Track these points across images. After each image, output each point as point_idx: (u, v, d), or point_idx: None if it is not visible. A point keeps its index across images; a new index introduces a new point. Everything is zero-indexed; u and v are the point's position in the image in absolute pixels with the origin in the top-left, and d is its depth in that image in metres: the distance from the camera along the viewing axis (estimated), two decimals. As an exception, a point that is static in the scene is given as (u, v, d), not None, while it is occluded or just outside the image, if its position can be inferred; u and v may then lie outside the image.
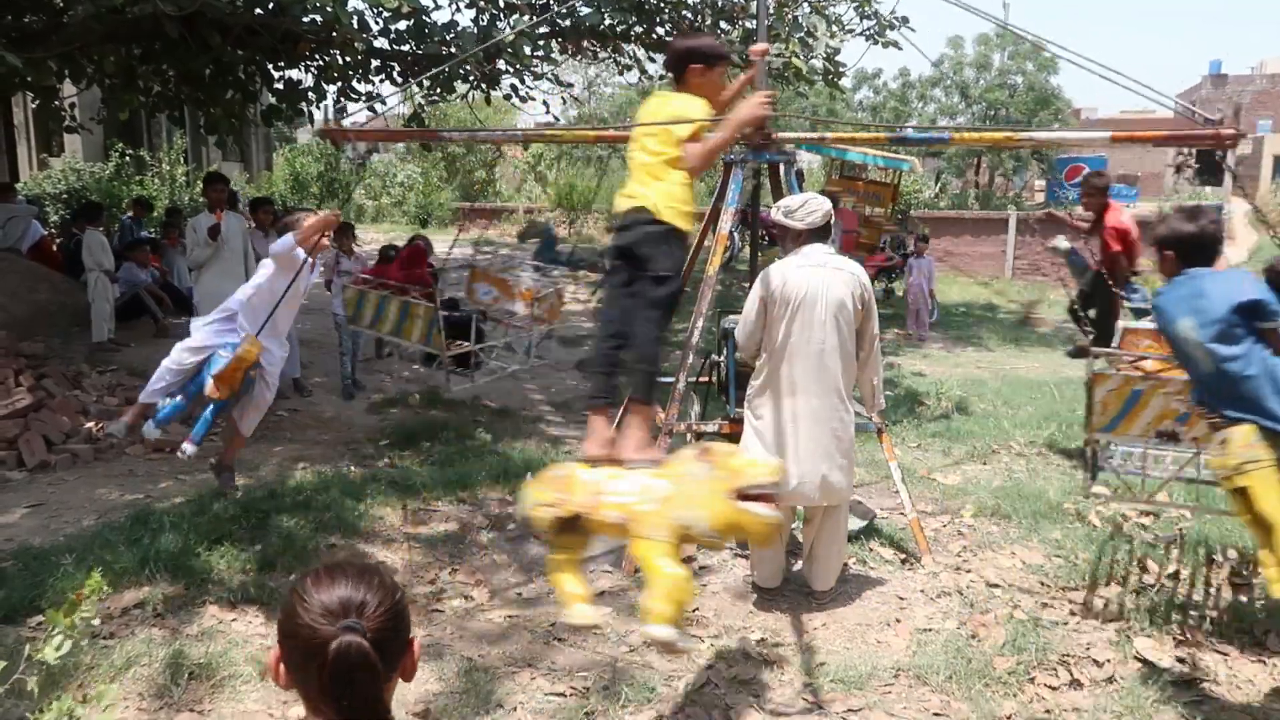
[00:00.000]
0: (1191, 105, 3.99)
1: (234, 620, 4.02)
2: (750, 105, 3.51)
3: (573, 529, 2.93)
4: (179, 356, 4.91)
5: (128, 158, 17.88)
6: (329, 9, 6.52)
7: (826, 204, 4.29)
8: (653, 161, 3.35)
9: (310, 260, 5.09)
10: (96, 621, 2.25)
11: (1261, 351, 3.30)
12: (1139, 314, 6.82)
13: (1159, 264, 3.65)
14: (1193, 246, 3.51)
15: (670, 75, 3.64)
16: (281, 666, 1.46)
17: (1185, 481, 4.53)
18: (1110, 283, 6.24)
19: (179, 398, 4.91)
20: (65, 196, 15.39)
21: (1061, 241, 7.24)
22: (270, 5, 7.55)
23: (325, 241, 5.79)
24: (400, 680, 1.50)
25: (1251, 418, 3.27)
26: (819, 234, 4.25)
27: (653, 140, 3.37)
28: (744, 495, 2.67)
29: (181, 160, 19.78)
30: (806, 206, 4.24)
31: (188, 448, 4.87)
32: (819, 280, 4.12)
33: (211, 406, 4.90)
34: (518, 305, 8.15)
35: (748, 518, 2.68)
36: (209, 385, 4.73)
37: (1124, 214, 6.86)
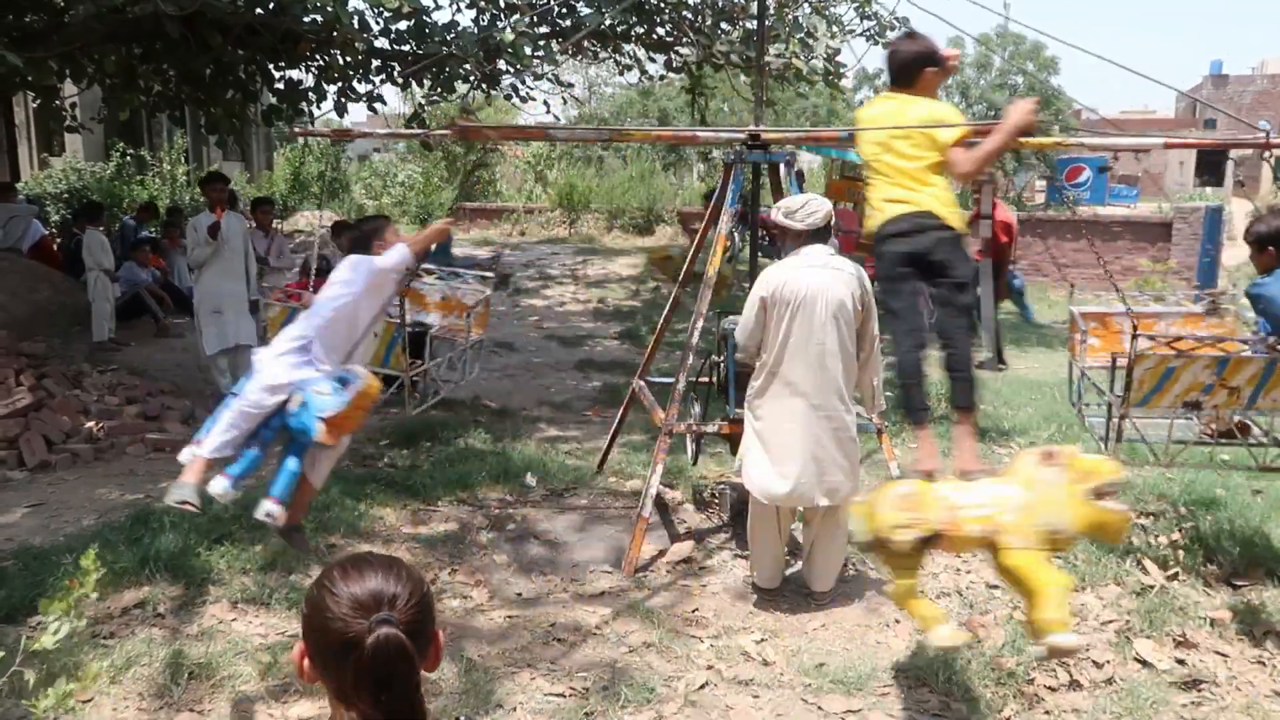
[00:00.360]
0: (1233, 113, 4.17)
1: (234, 620, 4.02)
2: (1022, 111, 3.31)
3: (907, 550, 2.88)
4: (258, 397, 3.89)
5: (128, 157, 17.89)
6: (329, 9, 6.52)
7: (827, 205, 4.30)
8: (915, 166, 3.29)
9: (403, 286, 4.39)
10: (94, 595, 2.24)
11: None
12: (1019, 294, 9.07)
13: (1256, 258, 4.18)
14: None
15: (896, 78, 3.52)
16: (307, 662, 1.45)
17: (1198, 444, 4.77)
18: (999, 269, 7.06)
19: (255, 449, 3.93)
20: (66, 196, 15.39)
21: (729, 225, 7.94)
22: (271, 5, 7.56)
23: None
24: (426, 672, 1.48)
25: None
26: (820, 235, 4.26)
27: (906, 144, 3.31)
28: (1100, 493, 2.74)
29: (182, 160, 19.79)
30: (807, 207, 4.24)
31: (274, 509, 3.90)
32: (819, 281, 4.13)
33: (294, 456, 3.96)
34: (430, 317, 7.22)
35: (1108, 515, 2.74)
36: (319, 430, 3.75)
37: (1008, 210, 7.49)
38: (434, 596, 1.52)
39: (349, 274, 4.11)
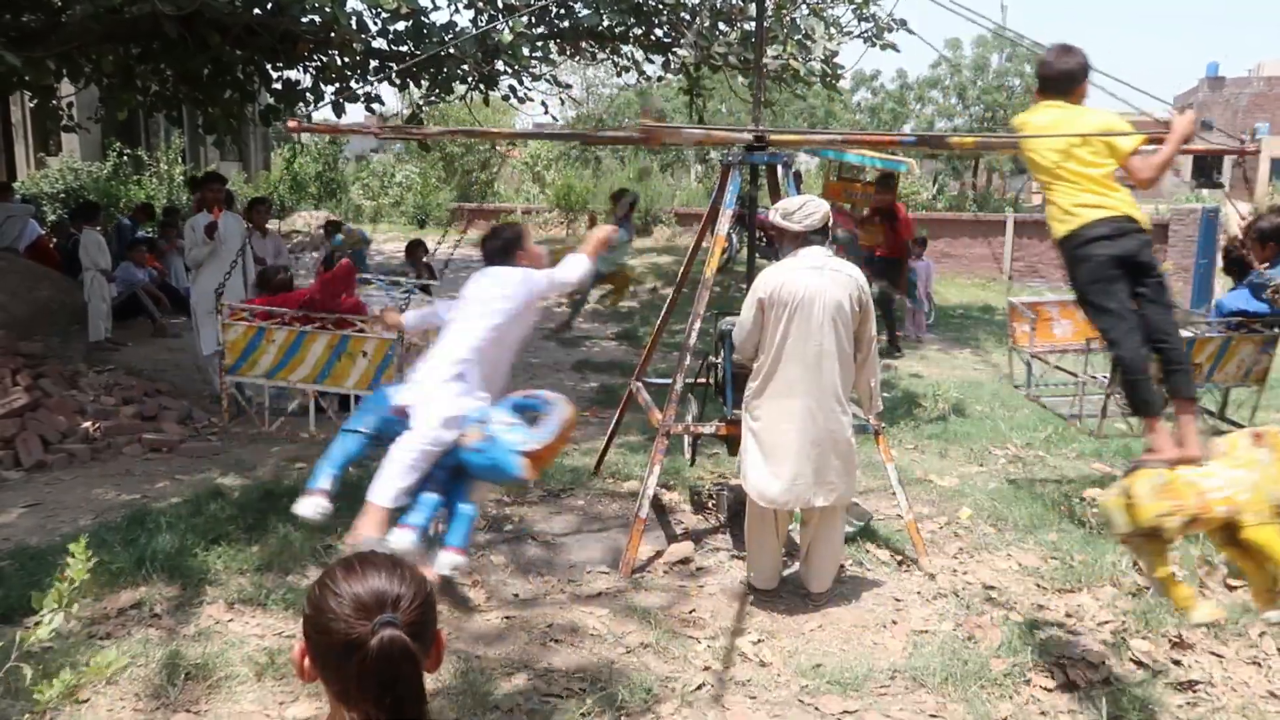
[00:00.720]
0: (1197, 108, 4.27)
1: (231, 621, 4.02)
2: (1186, 122, 3.50)
3: (1155, 537, 3.06)
4: (436, 434, 3.46)
5: (125, 157, 17.88)
6: (327, 9, 6.52)
7: (825, 206, 4.30)
8: (1100, 173, 3.46)
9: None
10: (87, 575, 2.23)
11: None
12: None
13: (1259, 252, 4.69)
14: None
15: (1054, 88, 3.68)
16: (307, 661, 1.44)
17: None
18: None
19: (432, 492, 3.56)
20: (63, 196, 15.40)
21: (841, 232, 8.69)
22: (269, 5, 7.55)
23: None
24: (426, 672, 1.47)
25: None
26: (817, 236, 4.26)
27: (1087, 150, 3.46)
28: None
29: (179, 160, 19.78)
30: (805, 209, 4.25)
31: (460, 560, 3.55)
32: (817, 282, 4.13)
33: (465, 499, 3.61)
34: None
35: None
36: (522, 465, 3.37)
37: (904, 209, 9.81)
38: (434, 597, 1.51)
39: (510, 288, 3.67)
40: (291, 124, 4.83)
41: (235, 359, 5.50)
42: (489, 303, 3.67)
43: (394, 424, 3.59)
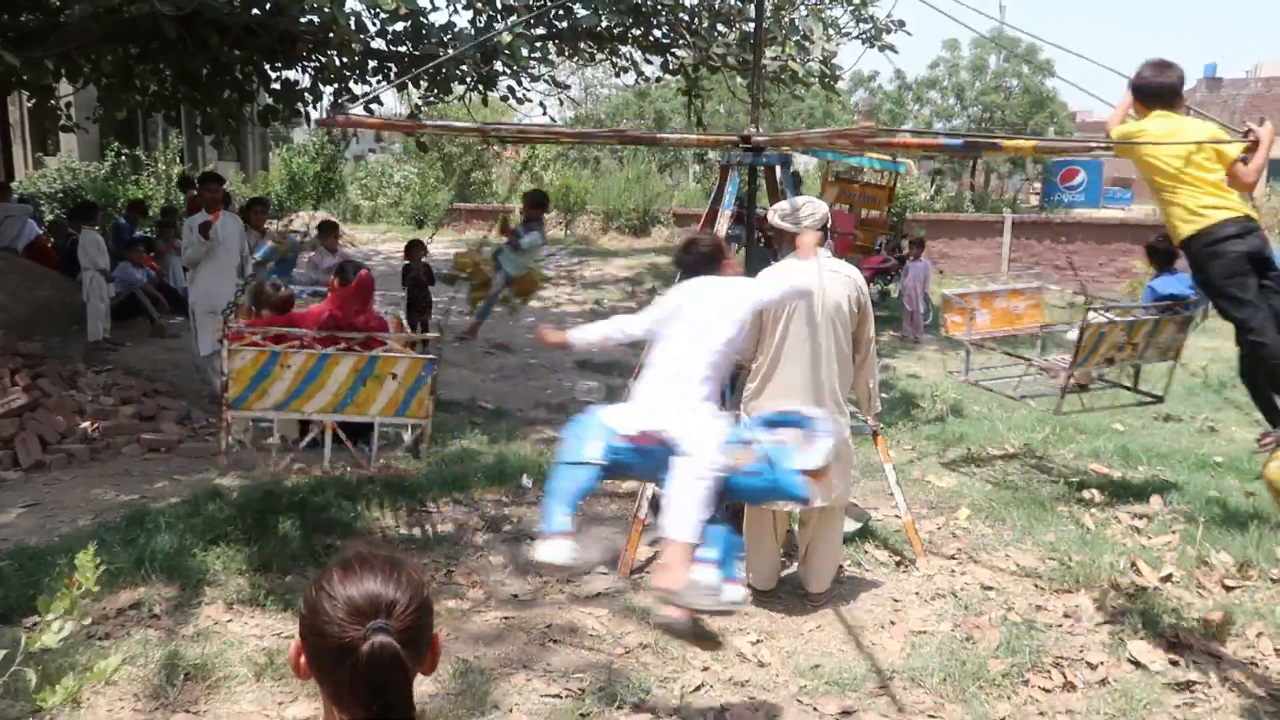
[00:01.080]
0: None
1: (230, 621, 4.02)
2: (1270, 131, 3.79)
3: None
4: (721, 460, 3.19)
5: (124, 157, 17.86)
6: (326, 9, 6.52)
7: (824, 207, 4.31)
8: (1216, 177, 3.79)
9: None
10: (96, 588, 2.23)
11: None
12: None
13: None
14: None
15: (1160, 99, 3.99)
16: (303, 660, 1.44)
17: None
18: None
19: (721, 527, 3.30)
20: (60, 196, 15.37)
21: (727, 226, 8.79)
22: (268, 5, 7.55)
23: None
24: (423, 675, 1.46)
25: None
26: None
27: (1201, 156, 3.79)
28: None
29: (177, 160, 19.75)
30: (804, 209, 4.25)
31: (743, 591, 3.35)
32: (815, 283, 4.13)
33: (727, 524, 3.36)
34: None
35: None
36: (807, 486, 3.20)
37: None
38: (432, 598, 1.50)
39: (738, 300, 3.51)
40: (340, 119, 4.64)
41: (241, 390, 4.49)
42: (720, 316, 3.46)
43: (630, 452, 3.27)
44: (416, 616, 1.41)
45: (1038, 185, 27.36)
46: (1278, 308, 3.77)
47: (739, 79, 9.89)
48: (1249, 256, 3.75)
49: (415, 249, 8.88)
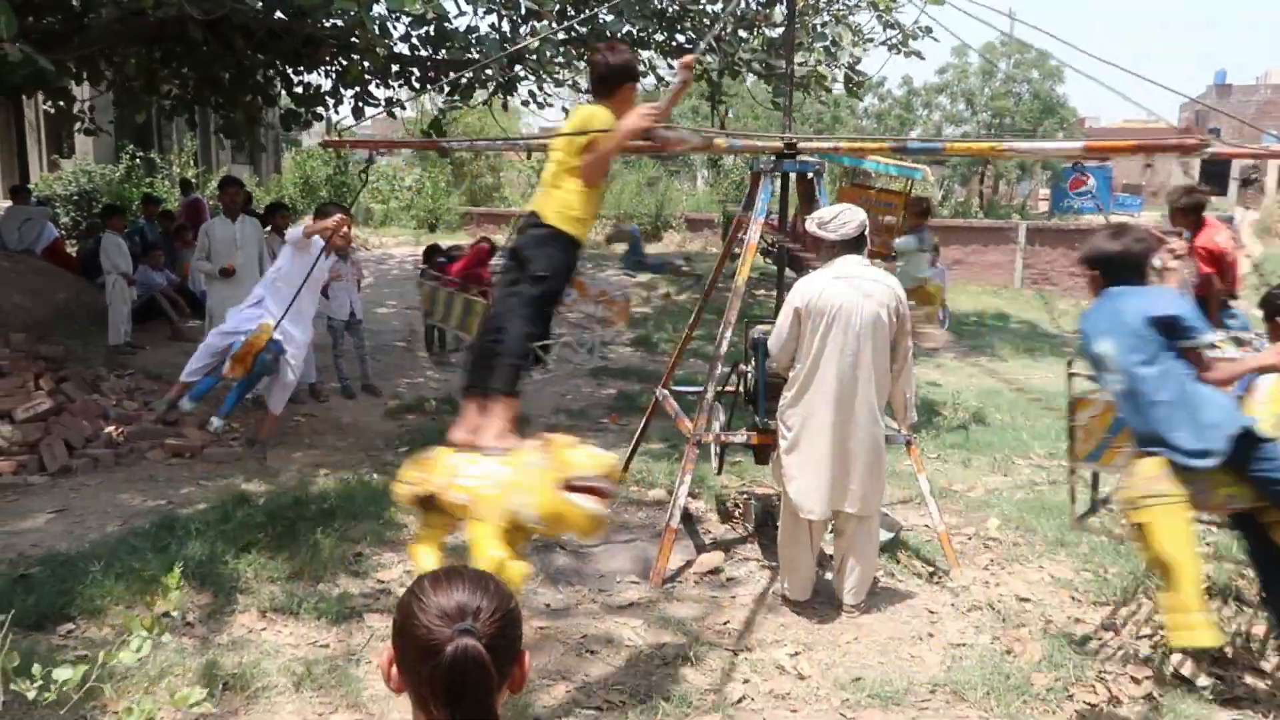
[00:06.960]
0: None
1: (264, 630, 4.00)
2: (635, 116, 3.56)
3: (433, 508, 3.08)
4: (213, 341, 5.85)
5: (138, 160, 17.88)
6: (353, 13, 6.50)
7: (860, 215, 4.27)
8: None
9: (326, 250, 5.87)
10: (175, 614, 2.22)
11: (1180, 375, 3.18)
12: None
13: (1088, 284, 3.53)
14: (1118, 264, 3.40)
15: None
16: (394, 668, 1.48)
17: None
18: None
19: (211, 376, 5.83)
20: (76, 198, 15.38)
21: (631, 227, 8.65)
22: (293, 9, 7.55)
23: (339, 240, 6.12)
24: (509, 692, 1.50)
25: (1160, 450, 3.18)
26: (853, 246, 4.24)
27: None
28: (571, 487, 2.75)
29: (192, 163, 19.79)
30: (839, 218, 4.22)
31: (215, 422, 5.88)
32: (854, 293, 4.11)
33: (237, 385, 5.83)
34: (591, 306, 8.11)
35: (571, 509, 2.76)
36: (226, 366, 5.69)
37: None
38: (519, 614, 1.50)
39: (287, 245, 5.88)
40: (333, 141, 5.41)
41: (426, 307, 7.30)
42: (281, 253, 5.80)
43: None
44: (502, 625, 1.45)
45: (1045, 191, 27.28)
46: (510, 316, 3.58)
47: (764, 85, 9.87)
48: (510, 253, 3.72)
49: (434, 254, 9.02)
